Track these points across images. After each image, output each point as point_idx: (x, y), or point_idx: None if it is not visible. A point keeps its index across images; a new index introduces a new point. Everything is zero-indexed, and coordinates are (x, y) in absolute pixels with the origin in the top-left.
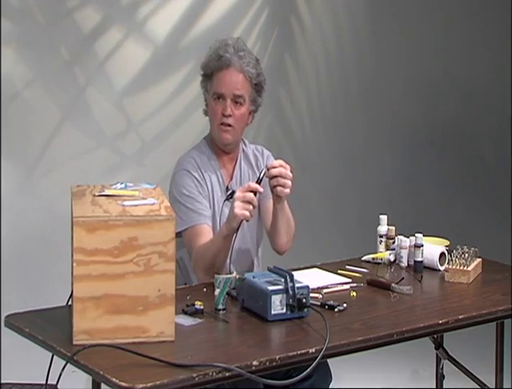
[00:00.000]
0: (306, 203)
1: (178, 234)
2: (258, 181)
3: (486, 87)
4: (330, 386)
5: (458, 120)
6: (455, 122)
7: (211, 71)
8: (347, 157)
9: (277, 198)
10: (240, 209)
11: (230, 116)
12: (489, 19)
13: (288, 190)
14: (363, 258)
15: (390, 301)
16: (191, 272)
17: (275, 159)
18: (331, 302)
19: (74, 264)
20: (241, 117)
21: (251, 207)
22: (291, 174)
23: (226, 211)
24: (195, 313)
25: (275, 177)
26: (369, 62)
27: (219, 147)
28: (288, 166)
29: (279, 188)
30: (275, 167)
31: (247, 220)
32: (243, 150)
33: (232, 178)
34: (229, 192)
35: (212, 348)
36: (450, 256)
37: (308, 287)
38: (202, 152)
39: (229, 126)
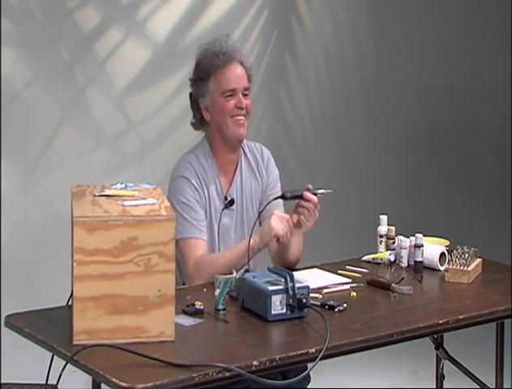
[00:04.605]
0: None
1: None
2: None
3: (486, 88)
4: (329, 387)
5: (458, 120)
6: (455, 122)
7: (210, 71)
8: (347, 157)
9: (297, 224)
10: (277, 224)
11: (244, 108)
12: (490, 20)
13: (310, 224)
14: (363, 259)
15: (390, 301)
16: None
17: (276, 159)
18: (331, 302)
19: (75, 264)
20: (251, 108)
21: (287, 224)
22: (317, 214)
23: (224, 220)
24: (195, 313)
25: (304, 207)
26: (369, 62)
27: (229, 145)
28: (318, 206)
29: (303, 217)
30: (309, 200)
31: (281, 239)
32: (243, 150)
33: (231, 185)
34: (227, 201)
35: (212, 348)
36: (450, 256)
37: (308, 287)
38: (201, 157)
39: (243, 118)
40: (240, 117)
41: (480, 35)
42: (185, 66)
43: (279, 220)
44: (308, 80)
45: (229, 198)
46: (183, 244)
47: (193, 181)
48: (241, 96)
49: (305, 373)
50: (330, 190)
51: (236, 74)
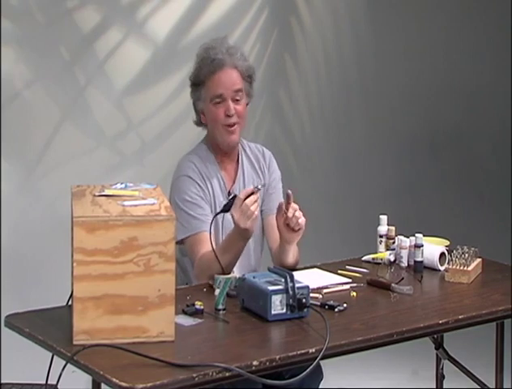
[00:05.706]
0: (306, 203)
1: (180, 242)
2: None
3: (487, 89)
4: (329, 387)
5: (458, 121)
6: (455, 122)
7: (203, 77)
8: (347, 157)
9: (294, 234)
10: (245, 222)
11: (234, 115)
12: (491, 22)
13: (303, 222)
14: (363, 258)
15: (390, 301)
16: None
17: (276, 159)
18: (331, 302)
19: (74, 264)
20: (243, 112)
21: (252, 212)
22: (301, 214)
23: (228, 216)
24: (195, 313)
25: (289, 217)
26: (369, 63)
27: (223, 150)
28: (295, 205)
29: (297, 227)
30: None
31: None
32: (243, 149)
33: (234, 182)
34: (231, 196)
35: (212, 348)
36: (450, 256)
37: (308, 287)
38: (202, 156)
39: (234, 124)
40: (230, 125)
41: (480, 35)
42: (185, 66)
43: (242, 215)
44: (308, 80)
45: (233, 194)
46: (190, 242)
47: (196, 179)
48: (230, 102)
49: (304, 374)
50: (263, 185)
51: (225, 80)
